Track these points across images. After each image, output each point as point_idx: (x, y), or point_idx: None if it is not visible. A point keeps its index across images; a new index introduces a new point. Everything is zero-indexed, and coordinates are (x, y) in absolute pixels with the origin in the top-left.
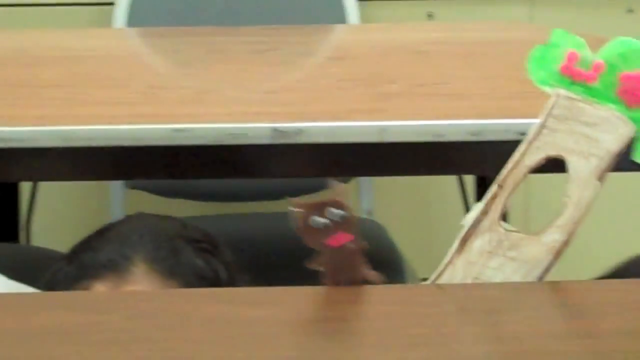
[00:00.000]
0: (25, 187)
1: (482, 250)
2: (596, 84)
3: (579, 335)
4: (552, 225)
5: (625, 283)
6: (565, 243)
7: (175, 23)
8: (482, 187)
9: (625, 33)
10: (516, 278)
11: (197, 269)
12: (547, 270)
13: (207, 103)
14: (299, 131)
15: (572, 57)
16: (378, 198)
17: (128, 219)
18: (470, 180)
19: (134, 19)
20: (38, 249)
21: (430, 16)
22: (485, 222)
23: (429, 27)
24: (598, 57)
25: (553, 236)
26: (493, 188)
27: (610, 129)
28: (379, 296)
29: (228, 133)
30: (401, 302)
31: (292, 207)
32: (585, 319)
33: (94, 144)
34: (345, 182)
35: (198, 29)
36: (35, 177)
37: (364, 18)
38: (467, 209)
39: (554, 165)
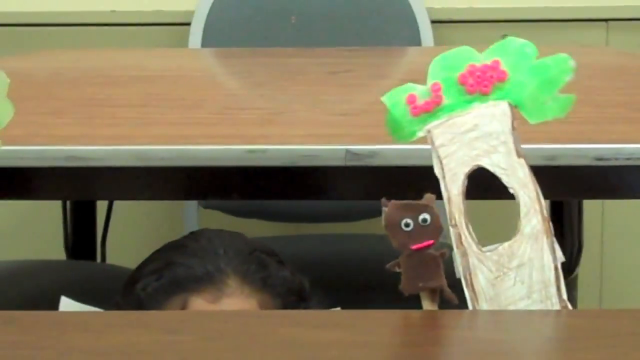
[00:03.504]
0: (101, 206)
1: (490, 281)
2: (447, 101)
3: None
4: (522, 217)
5: None
6: (545, 220)
7: (250, 44)
8: (557, 212)
9: None
10: (536, 277)
11: (285, 280)
12: (554, 249)
13: (281, 124)
14: (373, 154)
15: (411, 99)
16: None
17: (198, 234)
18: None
19: (209, 40)
20: (113, 267)
21: (504, 37)
22: (472, 259)
23: None
24: (430, 82)
25: (530, 224)
26: (452, 230)
27: (489, 119)
28: (455, 321)
29: (301, 155)
30: (473, 328)
31: (384, 205)
32: None
33: (168, 163)
34: None
35: (273, 50)
36: (110, 196)
37: (438, 40)
38: None
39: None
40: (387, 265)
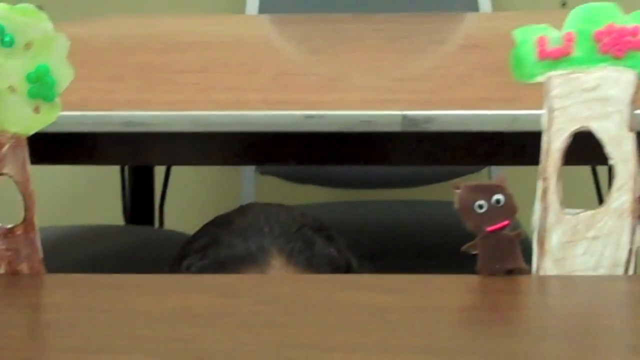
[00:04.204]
0: (159, 171)
1: (562, 244)
2: (576, 54)
3: None
4: (613, 190)
5: None
6: (636, 200)
7: (306, 10)
8: None
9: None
10: (608, 253)
11: (332, 259)
12: (634, 232)
13: (337, 90)
14: (429, 119)
15: (541, 42)
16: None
17: (246, 209)
18: (603, 170)
19: (266, 6)
20: (171, 232)
21: (564, 5)
22: (551, 217)
23: (563, 15)
24: (565, 30)
25: (620, 199)
26: (540, 184)
27: (612, 84)
28: (516, 286)
29: (358, 120)
30: (536, 292)
31: (456, 188)
32: None
33: (225, 129)
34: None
35: (329, 16)
36: (168, 161)
37: (497, 6)
38: (601, 199)
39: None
40: (463, 248)
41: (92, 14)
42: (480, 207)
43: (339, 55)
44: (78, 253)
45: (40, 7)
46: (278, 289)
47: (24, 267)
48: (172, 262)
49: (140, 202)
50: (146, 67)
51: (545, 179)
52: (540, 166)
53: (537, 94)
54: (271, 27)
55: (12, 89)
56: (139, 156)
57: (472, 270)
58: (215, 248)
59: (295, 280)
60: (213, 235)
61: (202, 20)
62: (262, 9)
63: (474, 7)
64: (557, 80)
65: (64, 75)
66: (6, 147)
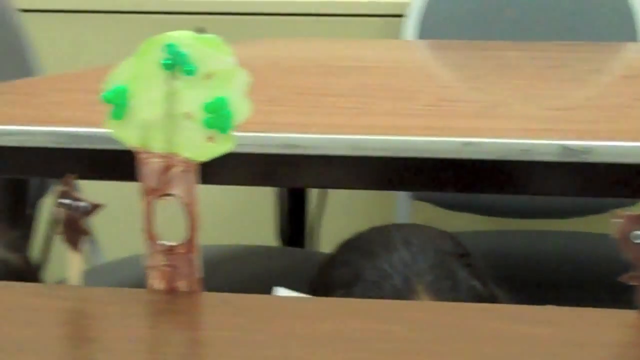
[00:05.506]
0: (313, 194)
1: None
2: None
3: None
4: None
5: None
6: None
7: (465, 36)
8: None
9: None
10: None
11: (477, 294)
12: None
13: (495, 118)
14: (588, 150)
15: None
16: None
17: (388, 236)
18: None
19: (423, 31)
20: (324, 255)
21: None
22: None
23: None
24: None
25: None
26: None
27: None
28: None
29: (516, 149)
30: None
31: (617, 217)
32: None
33: (382, 154)
34: (629, 204)
35: (488, 43)
36: (323, 184)
37: None
38: None
39: None
40: (621, 278)
41: (252, 35)
42: (637, 236)
43: (497, 83)
44: (233, 272)
45: (202, 29)
46: (432, 316)
47: (182, 285)
48: (313, 285)
49: (293, 224)
50: (305, 90)
51: None
52: None
53: None
54: (429, 53)
55: (188, 115)
56: (297, 178)
57: (627, 305)
58: (361, 286)
59: (448, 308)
60: (356, 269)
61: (360, 44)
62: (420, 34)
63: (632, 36)
64: None
65: (241, 109)
66: (176, 169)
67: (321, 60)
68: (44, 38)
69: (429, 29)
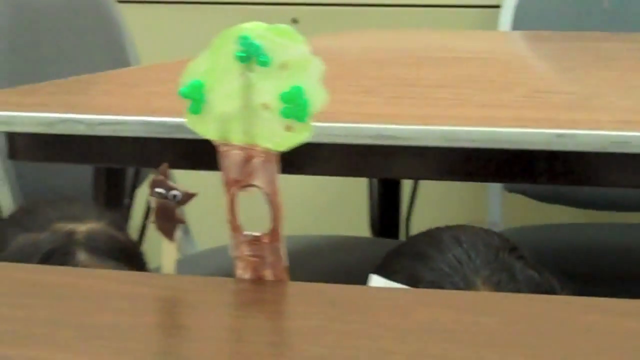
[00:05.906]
0: (406, 185)
1: None
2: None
3: None
4: None
5: None
6: None
7: (561, 27)
8: None
9: None
10: None
11: (533, 282)
12: None
13: (590, 109)
14: None
15: None
16: None
17: (440, 241)
18: None
19: (519, 22)
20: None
21: None
22: None
23: None
24: None
25: None
26: None
27: None
28: None
29: (611, 141)
30: None
31: None
32: None
33: (475, 145)
34: None
35: (585, 34)
36: (416, 175)
37: None
38: None
39: None
40: None
41: (346, 27)
42: None
43: (593, 74)
44: (327, 262)
45: (295, 20)
46: (526, 308)
47: (268, 274)
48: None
49: (387, 215)
50: (398, 80)
51: None
52: None
53: None
54: (524, 44)
55: (265, 106)
56: (388, 169)
57: None
58: (422, 289)
59: (542, 301)
60: (413, 273)
61: (454, 35)
62: (515, 25)
63: None
64: None
65: (317, 97)
66: (257, 160)
67: (416, 51)
68: (141, 29)
69: (524, 20)
